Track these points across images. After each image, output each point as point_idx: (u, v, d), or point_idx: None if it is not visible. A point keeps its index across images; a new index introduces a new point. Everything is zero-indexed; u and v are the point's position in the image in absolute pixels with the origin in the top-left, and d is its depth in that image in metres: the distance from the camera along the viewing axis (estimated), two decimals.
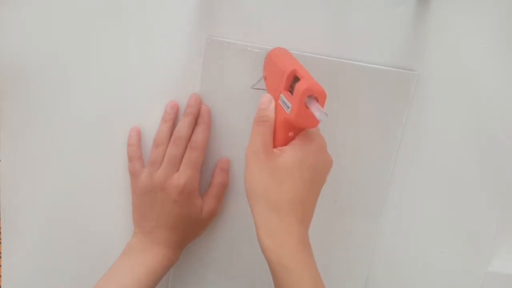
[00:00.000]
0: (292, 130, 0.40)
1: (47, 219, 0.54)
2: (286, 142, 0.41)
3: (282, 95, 0.40)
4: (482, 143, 0.51)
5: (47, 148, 0.52)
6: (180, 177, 0.47)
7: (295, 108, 0.38)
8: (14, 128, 0.51)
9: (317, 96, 0.37)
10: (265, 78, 0.46)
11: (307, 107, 0.37)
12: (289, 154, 0.39)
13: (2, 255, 0.56)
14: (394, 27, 0.47)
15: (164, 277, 0.49)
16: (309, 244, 0.40)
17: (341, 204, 0.52)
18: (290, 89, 0.40)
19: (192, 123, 0.48)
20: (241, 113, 0.50)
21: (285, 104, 0.39)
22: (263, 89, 0.46)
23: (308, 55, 0.48)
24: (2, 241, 0.55)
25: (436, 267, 0.55)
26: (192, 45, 0.48)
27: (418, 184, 0.52)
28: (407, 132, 0.50)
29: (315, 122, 0.38)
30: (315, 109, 0.36)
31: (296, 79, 0.39)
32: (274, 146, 0.41)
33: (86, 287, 0.46)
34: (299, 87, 0.37)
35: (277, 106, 0.41)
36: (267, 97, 0.42)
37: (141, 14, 0.48)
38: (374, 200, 0.52)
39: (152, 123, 0.50)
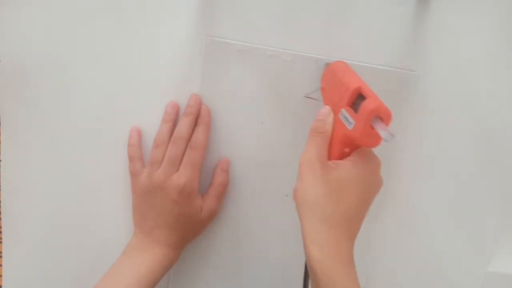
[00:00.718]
0: (349, 146, 0.41)
1: (47, 219, 0.54)
2: (340, 157, 0.41)
3: (344, 111, 0.40)
4: (482, 143, 0.51)
5: (47, 148, 0.52)
6: (180, 177, 0.47)
7: (360, 126, 0.38)
8: (14, 128, 0.51)
9: (383, 116, 0.38)
10: (322, 90, 0.46)
11: (372, 127, 0.38)
12: (346, 169, 0.40)
13: (3, 255, 0.56)
14: (394, 27, 0.47)
15: (164, 277, 0.50)
16: (353, 259, 0.40)
17: None
18: (353, 105, 0.40)
19: (192, 123, 0.48)
20: (241, 113, 0.50)
21: (347, 120, 0.40)
22: (314, 99, 0.47)
23: (308, 55, 0.48)
24: (2, 240, 0.55)
25: (436, 267, 0.55)
26: (192, 45, 0.48)
27: (418, 184, 0.52)
28: (407, 132, 0.50)
29: (378, 141, 0.39)
30: (381, 130, 0.37)
31: (360, 96, 0.40)
32: (328, 159, 0.41)
33: (86, 287, 0.46)
34: (366, 106, 0.38)
35: (335, 120, 0.41)
36: (326, 109, 0.42)
37: (141, 14, 0.48)
38: (374, 200, 0.52)
39: (152, 123, 0.50)
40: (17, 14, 0.48)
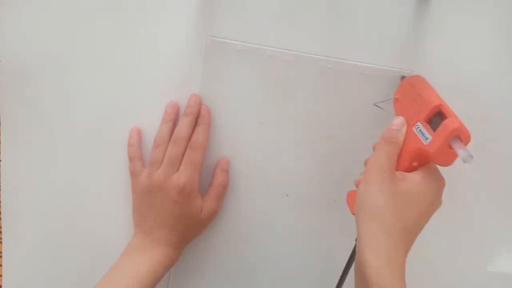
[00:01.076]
0: (418, 160, 0.41)
1: (47, 219, 0.54)
2: (407, 169, 0.41)
3: (420, 125, 0.41)
4: (482, 143, 0.51)
5: (47, 148, 0.52)
6: (180, 177, 0.47)
7: (438, 143, 0.38)
8: (14, 128, 0.51)
9: (462, 137, 0.38)
10: (396, 101, 0.46)
11: (451, 146, 0.38)
12: (415, 183, 0.40)
13: (3, 255, 0.56)
14: (394, 27, 0.47)
15: (164, 277, 0.50)
16: (405, 272, 0.40)
17: (341, 205, 0.52)
18: (430, 121, 0.41)
19: (192, 123, 0.48)
20: (241, 113, 0.50)
21: (423, 134, 0.40)
22: (381, 108, 0.47)
23: (308, 55, 0.48)
24: (2, 240, 0.55)
25: (436, 267, 0.55)
26: (192, 45, 0.48)
27: None
28: None
29: (452, 161, 0.39)
30: (461, 150, 0.37)
31: (439, 114, 0.40)
32: (396, 169, 0.41)
33: (86, 287, 0.46)
34: (448, 124, 0.38)
35: (408, 132, 0.42)
36: (400, 120, 0.42)
37: (141, 14, 0.48)
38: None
39: (152, 123, 0.50)
40: (17, 14, 0.48)
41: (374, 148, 0.44)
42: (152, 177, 0.48)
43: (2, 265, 0.56)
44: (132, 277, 0.46)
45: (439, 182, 0.41)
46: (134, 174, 0.50)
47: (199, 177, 0.49)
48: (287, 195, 0.52)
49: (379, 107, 0.47)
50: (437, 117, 0.40)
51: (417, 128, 0.41)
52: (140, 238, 0.49)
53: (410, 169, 0.41)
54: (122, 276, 0.47)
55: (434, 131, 0.39)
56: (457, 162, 0.49)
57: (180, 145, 0.48)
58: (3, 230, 0.55)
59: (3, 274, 0.56)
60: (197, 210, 0.49)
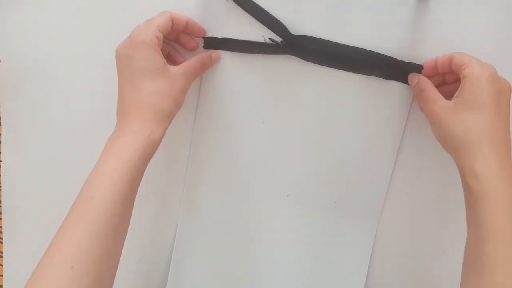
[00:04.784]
0: None
1: (47, 219, 0.54)
2: None
3: None
4: None
5: (48, 148, 0.52)
6: (136, 30, 0.44)
7: None
8: (15, 128, 0.51)
9: None
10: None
11: None
12: None
13: (3, 255, 0.56)
14: (394, 27, 0.47)
15: (162, 276, 0.49)
16: None
17: (341, 205, 0.52)
18: None
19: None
20: (243, 113, 0.50)
21: None
22: None
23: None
24: (3, 240, 0.55)
25: (436, 267, 0.55)
26: None
27: (418, 184, 0.52)
28: (407, 132, 0.50)
29: None
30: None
31: None
32: None
33: None
34: None
35: None
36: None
37: (142, 14, 0.48)
38: (374, 200, 0.52)
39: None
40: (17, 14, 0.48)
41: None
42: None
43: (2, 265, 0.56)
44: (122, 164, 0.41)
45: None
46: None
47: (157, 36, 0.43)
48: (288, 195, 0.52)
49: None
50: None
51: None
52: (118, 124, 0.44)
53: None
54: (101, 174, 0.41)
55: None
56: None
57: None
58: (3, 230, 0.55)
59: (3, 274, 0.56)
60: (160, 64, 0.43)
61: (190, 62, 0.46)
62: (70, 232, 0.39)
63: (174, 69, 0.45)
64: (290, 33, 0.46)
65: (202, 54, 0.47)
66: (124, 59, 0.44)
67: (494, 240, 0.38)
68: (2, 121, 0.51)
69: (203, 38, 0.48)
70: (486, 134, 0.41)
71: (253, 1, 0.46)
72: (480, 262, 0.38)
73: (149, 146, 0.43)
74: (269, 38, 0.46)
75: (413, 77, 0.47)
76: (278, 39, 0.46)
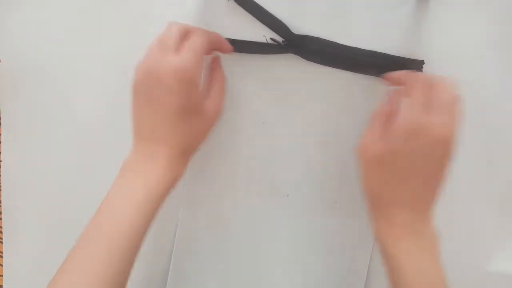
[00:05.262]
0: None
1: (47, 219, 0.54)
2: None
3: None
4: (483, 143, 0.51)
5: (48, 149, 0.52)
6: (176, 58, 0.39)
7: None
8: (15, 128, 0.51)
9: None
10: None
11: None
12: None
13: (3, 255, 0.56)
14: (394, 28, 0.47)
15: (162, 277, 0.49)
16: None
17: (341, 205, 0.52)
18: None
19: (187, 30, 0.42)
20: (244, 113, 0.50)
21: None
22: None
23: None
24: (3, 240, 0.55)
25: None
26: None
27: None
28: None
29: None
30: None
31: None
32: None
33: None
34: None
35: None
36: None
37: (142, 14, 0.48)
38: None
39: None
40: (17, 14, 0.48)
41: None
42: (144, 60, 0.40)
43: (2, 265, 0.56)
44: (126, 206, 0.39)
45: None
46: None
47: (201, 68, 0.41)
48: (288, 195, 0.52)
49: None
50: None
51: None
52: (139, 150, 0.42)
53: None
54: (115, 209, 0.40)
55: None
56: (456, 162, 0.49)
57: (177, 30, 0.41)
58: (3, 230, 0.55)
59: (3, 274, 0.56)
60: (198, 102, 0.42)
61: (222, 98, 0.45)
62: (88, 254, 0.39)
63: (209, 106, 0.43)
64: (292, 33, 0.46)
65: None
66: (156, 84, 0.40)
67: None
68: (2, 121, 0.51)
69: None
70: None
71: (254, 1, 0.46)
72: None
73: (174, 183, 0.42)
74: (271, 38, 0.46)
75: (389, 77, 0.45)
76: (279, 39, 0.46)
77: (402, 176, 0.40)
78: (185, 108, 0.40)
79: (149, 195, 0.40)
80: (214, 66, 0.47)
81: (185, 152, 0.43)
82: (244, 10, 0.46)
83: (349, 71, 0.48)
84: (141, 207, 0.39)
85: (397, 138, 0.39)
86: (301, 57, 0.47)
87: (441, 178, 0.40)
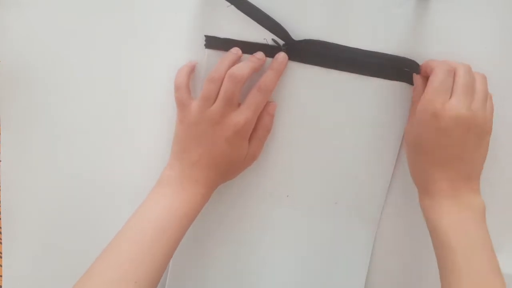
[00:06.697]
0: None
1: (47, 219, 0.54)
2: None
3: None
4: None
5: (48, 148, 0.52)
6: (240, 116, 0.45)
7: None
8: (15, 128, 0.51)
9: None
10: None
11: None
12: None
13: (3, 255, 0.56)
14: (394, 28, 0.47)
15: (161, 281, 0.49)
16: None
17: (341, 205, 0.52)
18: None
19: (253, 68, 0.45)
20: None
21: None
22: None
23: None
24: (2, 241, 0.55)
25: (436, 267, 0.55)
26: (192, 45, 0.48)
27: None
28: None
29: None
30: None
31: None
32: None
33: None
34: None
35: None
36: None
37: (142, 15, 0.48)
38: (374, 200, 0.52)
39: (152, 123, 0.50)
40: (17, 14, 0.48)
41: None
42: (206, 111, 0.45)
43: (2, 265, 0.56)
44: (166, 219, 0.44)
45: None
46: (181, 104, 0.47)
47: (255, 122, 0.47)
48: (288, 196, 0.52)
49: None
50: None
51: None
52: (177, 171, 0.47)
53: None
54: (155, 216, 0.44)
55: None
56: None
57: (238, 84, 0.44)
58: (3, 230, 0.55)
59: (3, 274, 0.56)
60: (244, 153, 0.47)
61: (263, 144, 0.50)
62: (125, 248, 0.43)
63: (250, 152, 0.48)
64: (292, 38, 0.46)
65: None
66: (215, 135, 0.45)
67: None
68: (1, 121, 0.51)
69: (205, 36, 0.47)
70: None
71: (254, 6, 0.46)
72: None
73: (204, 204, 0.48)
74: (272, 39, 0.46)
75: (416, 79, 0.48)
76: (279, 42, 0.46)
77: (432, 157, 0.44)
78: (231, 156, 0.47)
79: (188, 211, 0.46)
80: (265, 114, 0.48)
81: (215, 186, 0.48)
82: (244, 15, 0.46)
83: (349, 72, 0.48)
84: (183, 221, 0.45)
85: (417, 122, 0.45)
86: (301, 62, 0.47)
87: (471, 150, 0.44)
